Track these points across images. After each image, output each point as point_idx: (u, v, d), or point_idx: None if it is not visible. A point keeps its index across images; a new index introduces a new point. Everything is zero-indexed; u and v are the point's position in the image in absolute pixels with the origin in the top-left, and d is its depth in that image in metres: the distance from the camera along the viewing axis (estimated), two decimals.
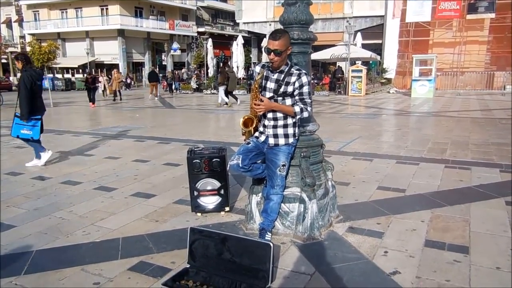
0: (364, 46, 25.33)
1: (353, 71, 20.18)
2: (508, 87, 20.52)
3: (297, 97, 2.96)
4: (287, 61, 2.98)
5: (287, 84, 2.93)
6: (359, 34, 25.51)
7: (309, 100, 2.99)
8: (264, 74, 3.01)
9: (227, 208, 3.78)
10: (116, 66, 35.72)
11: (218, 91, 16.26)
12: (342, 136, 7.71)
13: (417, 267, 2.74)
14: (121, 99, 19.84)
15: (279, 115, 2.99)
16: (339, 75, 22.79)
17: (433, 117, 11.44)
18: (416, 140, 7.38)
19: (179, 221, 3.66)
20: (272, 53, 2.82)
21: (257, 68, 3.12)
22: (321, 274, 2.66)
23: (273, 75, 2.98)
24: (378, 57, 25.44)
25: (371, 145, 7.05)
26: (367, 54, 22.82)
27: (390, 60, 26.01)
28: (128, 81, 32.03)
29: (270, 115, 3.00)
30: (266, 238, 3.07)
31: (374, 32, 27.14)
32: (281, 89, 2.94)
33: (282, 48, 2.82)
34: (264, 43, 27.09)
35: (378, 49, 26.68)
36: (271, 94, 2.98)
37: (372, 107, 14.88)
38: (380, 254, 2.93)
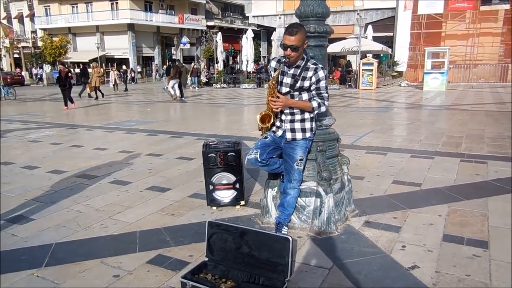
0: (375, 38, 25.06)
1: (364, 64, 19.99)
2: None
3: (314, 92, 2.94)
4: (303, 55, 2.95)
5: (304, 79, 2.91)
6: (370, 26, 25.25)
7: (326, 95, 2.96)
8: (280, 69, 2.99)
9: (242, 202, 3.79)
10: (126, 60, 35.99)
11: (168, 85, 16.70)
12: (354, 130, 7.66)
13: (436, 261, 2.73)
14: (103, 96, 17.67)
15: (296, 110, 2.98)
16: (349, 68, 22.63)
17: (446, 110, 11.29)
18: (430, 134, 7.30)
19: (195, 214, 3.68)
20: (288, 48, 2.80)
21: (273, 63, 3.10)
22: (339, 268, 2.66)
23: (290, 70, 2.95)
24: (389, 50, 25.15)
25: (384, 139, 7.00)
26: (378, 47, 22.57)
27: (402, 53, 25.69)
28: (132, 75, 32.07)
29: (287, 110, 2.99)
30: (282, 232, 3.08)
31: (385, 24, 26.84)
32: (298, 84, 2.92)
33: (299, 43, 2.79)
34: (274, 36, 27.15)
35: (389, 42, 26.38)
36: (288, 89, 2.96)
37: (383, 100, 14.75)
38: (397, 249, 2.92)
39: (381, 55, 25.30)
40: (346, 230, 3.24)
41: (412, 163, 5.26)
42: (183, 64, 20.47)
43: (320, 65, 2.94)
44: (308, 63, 2.92)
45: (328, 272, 2.63)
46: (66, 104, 13.54)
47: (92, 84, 17.67)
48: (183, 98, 16.32)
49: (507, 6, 22.11)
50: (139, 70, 33.26)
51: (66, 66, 17.29)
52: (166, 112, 12.98)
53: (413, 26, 24.80)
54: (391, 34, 26.56)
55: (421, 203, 3.80)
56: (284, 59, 2.96)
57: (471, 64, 23.10)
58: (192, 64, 27.18)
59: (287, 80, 2.96)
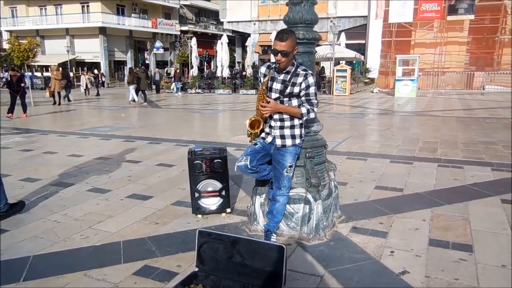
0: (348, 46, 25.59)
1: (337, 70, 20.33)
2: (487, 87, 21.04)
3: (303, 98, 2.93)
4: (293, 61, 2.95)
5: (294, 85, 2.90)
6: (343, 34, 25.77)
7: (316, 101, 2.96)
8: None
9: (228, 210, 3.74)
10: (97, 64, 35.13)
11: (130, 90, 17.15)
12: (333, 136, 7.73)
13: (425, 266, 2.76)
14: (59, 104, 16.40)
15: (285, 116, 2.96)
16: (323, 74, 22.96)
17: (419, 116, 11.62)
18: (407, 140, 7.47)
19: (180, 223, 3.59)
20: (279, 54, 2.78)
21: (263, 69, 3.08)
22: (332, 275, 2.64)
23: (279, 76, 2.94)
24: (362, 57, 25.73)
25: (362, 144, 7.11)
26: (352, 54, 23.04)
27: (373, 60, 26.34)
28: (103, 79, 31.22)
29: (276, 116, 2.97)
30: (271, 239, 3.04)
31: (357, 32, 27.47)
32: (288, 90, 2.91)
33: (289, 49, 2.78)
34: (249, 42, 27.22)
35: (361, 49, 26.98)
36: (277, 95, 2.94)
37: (357, 106, 15.02)
38: (386, 254, 2.94)
39: (354, 62, 25.84)
40: (334, 237, 3.24)
41: (392, 169, 5.35)
42: (144, 69, 20.66)
43: (310, 71, 2.94)
44: (298, 69, 2.92)
45: (321, 279, 2.61)
46: (12, 112, 11.85)
47: (52, 89, 16.86)
48: (145, 103, 16.60)
49: (472, 17, 23.06)
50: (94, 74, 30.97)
51: (20, 70, 15.97)
52: (142, 117, 12.73)
53: (384, 34, 25.47)
54: (363, 41, 27.19)
55: (405, 208, 3.86)
56: (274, 65, 2.95)
57: (439, 72, 23.91)
58: (173, 68, 26.86)
59: (277, 86, 2.94)
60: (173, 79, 23.80)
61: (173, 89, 23.59)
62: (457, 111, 12.72)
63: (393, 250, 3.00)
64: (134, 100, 16.90)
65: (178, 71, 24.73)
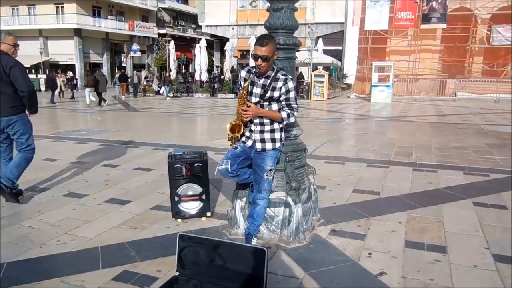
0: (325, 52, 25.98)
1: (315, 76, 20.60)
2: (458, 93, 21.76)
3: (283, 103, 2.97)
4: (273, 66, 2.99)
5: (274, 89, 2.94)
6: (320, 40, 26.11)
7: (296, 105, 3.01)
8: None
9: (208, 214, 3.73)
10: (72, 66, 34.37)
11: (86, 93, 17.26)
12: (311, 140, 7.81)
13: (402, 267, 2.83)
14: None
15: (265, 120, 2.99)
16: (301, 79, 23.22)
17: (395, 121, 11.90)
18: (383, 144, 7.63)
19: (159, 227, 3.56)
20: (259, 59, 2.82)
21: (243, 73, 3.10)
22: (311, 277, 2.68)
23: (259, 80, 2.97)
24: (339, 63, 26.15)
25: (340, 148, 7.23)
26: (329, 59, 23.39)
27: (350, 66, 26.80)
28: (75, 82, 30.44)
29: (257, 120, 3.00)
30: (252, 243, 3.06)
31: (335, 38, 27.88)
32: (268, 94, 2.95)
33: (270, 54, 2.82)
34: (228, 46, 27.23)
35: (338, 55, 27.41)
36: (258, 99, 2.97)
37: (335, 111, 15.25)
38: (365, 256, 3.00)
39: (331, 67, 26.21)
40: (314, 239, 3.28)
41: (370, 172, 5.46)
42: (103, 73, 21.21)
43: (290, 76, 2.98)
44: (278, 74, 2.96)
45: (301, 281, 2.64)
46: None
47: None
48: (102, 106, 16.73)
49: (444, 26, 23.85)
50: (68, 76, 30.05)
51: None
52: (119, 121, 12.54)
53: (361, 41, 26.00)
54: (340, 47, 27.63)
55: (382, 211, 3.94)
56: (254, 70, 2.97)
57: (413, 79, 24.58)
58: (164, 72, 26.46)
59: (257, 90, 2.97)
60: (163, 82, 23.48)
61: (162, 93, 23.26)
62: (431, 116, 13.09)
63: (371, 252, 3.06)
64: (100, 103, 16.94)
65: (168, 74, 24.19)
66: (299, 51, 22.72)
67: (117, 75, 25.07)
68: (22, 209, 4.01)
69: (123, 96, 22.77)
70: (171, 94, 22.73)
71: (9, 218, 3.76)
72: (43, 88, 29.27)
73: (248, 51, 27.68)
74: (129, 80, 24.75)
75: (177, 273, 2.57)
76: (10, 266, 2.85)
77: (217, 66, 37.45)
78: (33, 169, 5.57)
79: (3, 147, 4.24)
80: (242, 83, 3.04)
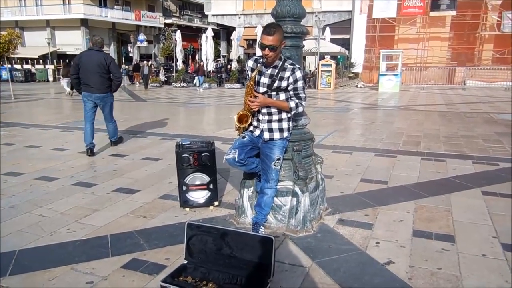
0: (333, 40, 25.73)
1: (322, 65, 20.44)
2: (468, 82, 21.46)
3: (291, 92, 2.95)
4: (281, 55, 2.96)
5: (281, 79, 2.92)
6: (328, 28, 25.87)
7: (304, 95, 2.99)
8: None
9: (216, 203, 3.75)
10: None
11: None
12: (319, 130, 7.80)
13: (409, 256, 2.83)
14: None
15: (273, 109, 2.98)
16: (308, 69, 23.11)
17: (402, 110, 11.79)
18: (390, 134, 7.58)
19: (168, 216, 3.59)
20: (266, 48, 2.79)
21: (250, 63, 3.08)
22: (319, 266, 2.69)
23: (267, 70, 2.95)
24: (347, 52, 25.90)
25: (348, 138, 7.19)
26: (336, 48, 23.18)
27: (358, 55, 26.55)
28: None
29: (264, 110, 2.98)
30: (260, 232, 3.07)
31: (342, 27, 27.62)
32: (275, 84, 2.93)
33: (277, 43, 2.79)
34: (234, 35, 27.08)
35: (346, 43, 27.18)
36: (265, 89, 2.95)
37: (342, 101, 15.15)
38: (372, 245, 3.00)
39: (339, 56, 26.00)
40: (321, 229, 3.29)
41: (377, 162, 5.44)
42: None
43: (298, 65, 2.96)
44: (286, 63, 2.93)
45: (308, 270, 2.66)
46: None
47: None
48: (70, 95, 16.95)
49: (454, 13, 23.45)
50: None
51: None
52: (126, 111, 12.56)
53: (368, 29, 25.69)
54: (347, 36, 27.37)
55: (390, 200, 3.93)
56: (261, 59, 2.95)
57: (422, 67, 24.29)
58: (198, 60, 25.81)
59: (265, 80, 2.95)
60: (197, 72, 21.94)
61: (195, 83, 21.90)
62: (440, 105, 12.95)
63: (378, 241, 3.06)
64: (69, 93, 17.05)
65: (202, 64, 22.43)
66: (306, 39, 22.66)
67: (127, 66, 25.08)
68: (33, 198, 4.07)
69: (137, 84, 23.61)
70: (206, 85, 21.44)
71: (20, 207, 3.82)
72: (51, 78, 29.52)
73: (254, 40, 27.52)
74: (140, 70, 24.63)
75: (185, 261, 2.60)
76: (22, 254, 2.90)
77: (223, 56, 37.31)
78: (43, 159, 5.68)
79: (91, 114, 6.12)
80: (249, 73, 3.03)
